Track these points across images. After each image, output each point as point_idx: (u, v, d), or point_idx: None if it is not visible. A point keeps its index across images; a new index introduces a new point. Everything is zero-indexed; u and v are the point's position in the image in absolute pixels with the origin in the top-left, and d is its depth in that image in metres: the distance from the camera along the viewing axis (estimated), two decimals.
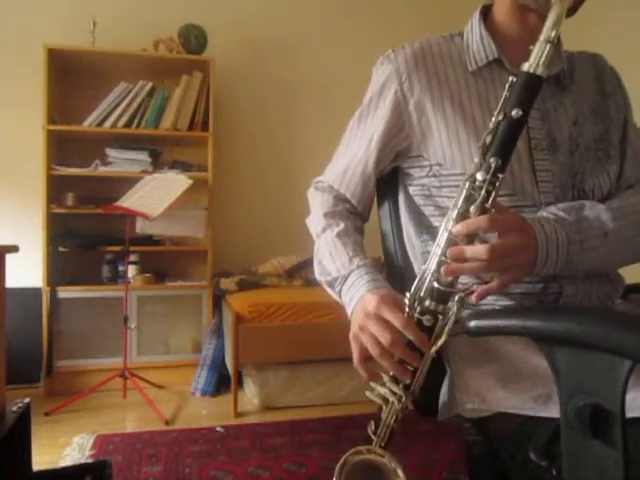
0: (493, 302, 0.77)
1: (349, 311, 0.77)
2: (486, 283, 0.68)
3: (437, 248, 0.66)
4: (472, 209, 0.64)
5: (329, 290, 0.85)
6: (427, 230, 0.85)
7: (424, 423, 2.01)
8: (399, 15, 3.20)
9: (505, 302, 0.76)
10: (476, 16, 0.85)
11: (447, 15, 2.71)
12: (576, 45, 0.90)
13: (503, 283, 0.67)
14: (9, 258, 1.29)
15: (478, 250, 0.63)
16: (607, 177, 0.80)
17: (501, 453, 0.74)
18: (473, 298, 0.66)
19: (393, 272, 0.92)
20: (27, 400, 1.23)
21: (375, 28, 3.14)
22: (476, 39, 0.83)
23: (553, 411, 0.63)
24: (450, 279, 0.65)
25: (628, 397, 0.50)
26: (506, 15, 0.82)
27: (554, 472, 0.62)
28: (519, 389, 0.69)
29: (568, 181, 0.78)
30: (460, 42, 0.85)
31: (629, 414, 0.51)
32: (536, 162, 0.77)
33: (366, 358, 0.71)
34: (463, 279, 0.73)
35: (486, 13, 0.86)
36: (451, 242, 0.65)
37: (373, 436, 0.68)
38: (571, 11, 0.73)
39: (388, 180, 0.91)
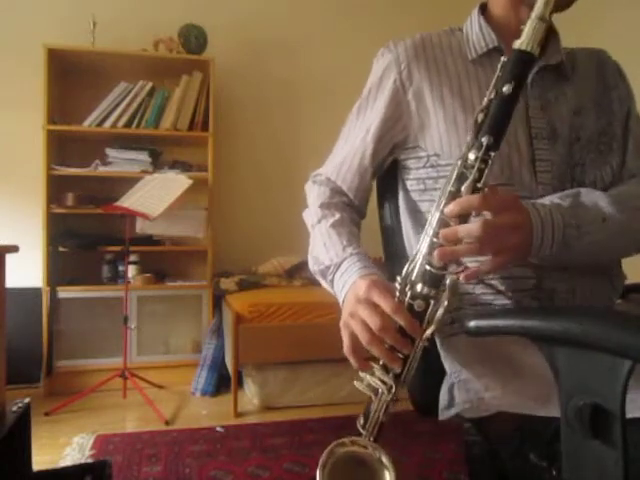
0: (491, 301, 0.76)
1: (341, 299, 0.76)
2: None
3: (429, 229, 0.65)
4: (463, 188, 0.62)
5: (321, 280, 0.84)
6: (424, 227, 0.84)
7: (424, 423, 2.01)
8: (399, 15, 3.20)
9: (502, 301, 0.76)
10: (475, 12, 0.86)
11: (447, 15, 2.70)
12: (576, 45, 0.90)
13: (496, 264, 0.65)
14: (9, 258, 1.29)
15: (471, 228, 0.61)
16: (609, 169, 0.79)
17: (501, 453, 0.74)
18: (462, 278, 0.63)
19: (394, 271, 0.92)
20: (27, 400, 1.23)
21: (375, 27, 3.13)
22: (475, 30, 0.84)
23: (553, 411, 0.62)
24: (442, 263, 0.63)
25: (628, 397, 0.50)
26: (502, 8, 0.83)
27: (554, 472, 0.62)
28: (519, 389, 0.69)
29: (567, 173, 0.77)
30: (460, 35, 0.86)
31: (629, 414, 0.51)
32: (536, 151, 0.77)
33: (357, 347, 0.68)
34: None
35: (484, 10, 0.87)
36: (443, 223, 0.63)
37: (362, 430, 0.65)
38: (564, 6, 0.73)
39: (388, 178, 0.92)
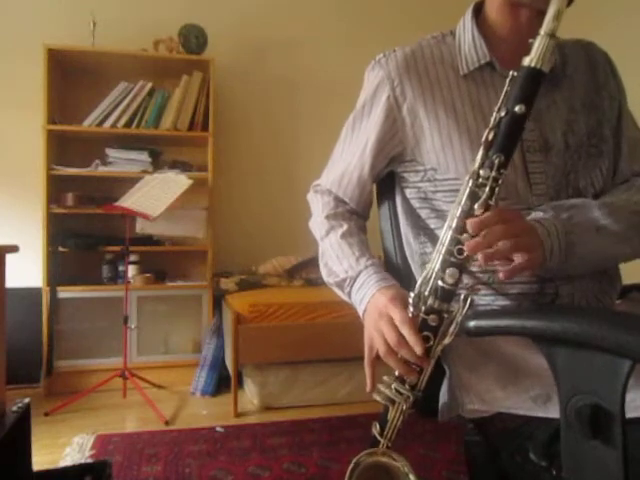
0: (491, 302, 0.77)
1: (360, 311, 0.78)
2: (485, 283, 0.67)
3: (441, 247, 0.66)
4: (477, 206, 0.64)
5: (338, 291, 0.86)
6: (424, 232, 0.85)
7: (424, 423, 2.01)
8: (399, 14, 3.19)
9: (503, 302, 0.76)
10: (469, 13, 0.84)
11: (446, 14, 2.71)
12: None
13: (530, 261, 0.66)
14: (9, 258, 1.29)
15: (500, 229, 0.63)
16: (599, 173, 0.79)
17: (501, 453, 0.74)
18: (501, 275, 0.65)
19: (392, 271, 0.92)
20: (27, 400, 1.23)
21: (375, 26, 3.14)
22: (468, 41, 0.82)
23: (553, 411, 0.63)
24: (455, 279, 0.65)
25: (628, 397, 0.50)
26: (498, 12, 0.79)
27: (554, 472, 0.62)
28: (519, 389, 0.69)
29: (562, 181, 0.77)
30: (452, 42, 0.84)
31: (629, 414, 0.51)
32: (529, 164, 0.77)
33: (373, 360, 0.72)
34: (466, 280, 0.72)
35: (479, 10, 0.84)
36: (456, 241, 0.65)
37: (379, 437, 0.68)
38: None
39: (386, 182, 0.92)
